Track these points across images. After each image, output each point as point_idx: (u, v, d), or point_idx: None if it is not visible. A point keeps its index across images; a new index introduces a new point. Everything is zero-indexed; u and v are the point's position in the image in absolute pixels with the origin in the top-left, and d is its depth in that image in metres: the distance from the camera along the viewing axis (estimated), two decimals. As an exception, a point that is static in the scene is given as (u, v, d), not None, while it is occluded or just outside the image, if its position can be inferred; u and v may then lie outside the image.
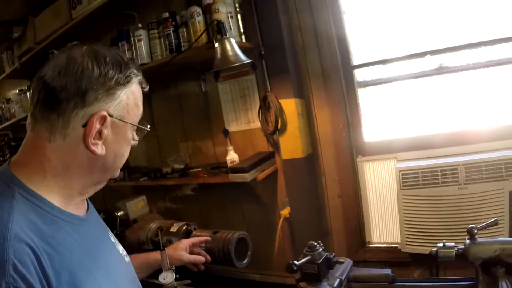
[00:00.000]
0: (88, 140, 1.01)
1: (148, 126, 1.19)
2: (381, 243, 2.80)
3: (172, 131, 3.46)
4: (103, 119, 1.02)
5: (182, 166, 3.27)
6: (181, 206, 3.59)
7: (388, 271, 1.72)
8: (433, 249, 1.54)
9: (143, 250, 2.33)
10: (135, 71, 1.11)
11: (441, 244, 1.53)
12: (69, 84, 0.99)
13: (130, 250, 2.21)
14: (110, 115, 1.04)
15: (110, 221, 2.71)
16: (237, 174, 2.64)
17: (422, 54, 2.49)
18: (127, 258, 1.34)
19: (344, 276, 1.66)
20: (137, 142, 1.19)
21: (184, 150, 3.41)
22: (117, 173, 1.18)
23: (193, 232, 2.19)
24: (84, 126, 1.01)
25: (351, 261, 1.79)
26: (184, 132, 3.38)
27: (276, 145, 2.82)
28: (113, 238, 1.31)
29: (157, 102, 3.50)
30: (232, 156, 2.92)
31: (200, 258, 1.88)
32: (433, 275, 2.52)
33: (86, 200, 1.22)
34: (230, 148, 2.94)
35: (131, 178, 3.51)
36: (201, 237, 2.00)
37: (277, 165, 2.85)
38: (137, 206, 2.70)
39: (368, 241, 2.83)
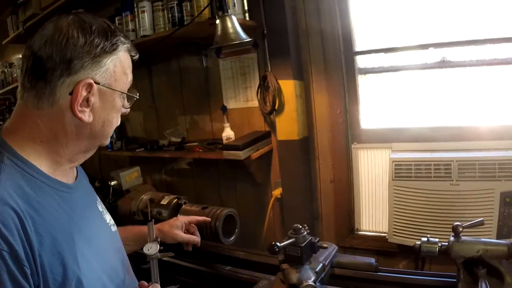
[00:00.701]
0: (75, 107, 1.02)
1: (137, 94, 1.20)
2: (369, 231, 2.83)
3: (171, 104, 3.45)
4: (90, 87, 1.03)
5: (179, 140, 3.28)
6: (176, 180, 3.61)
7: (371, 260, 1.72)
8: (417, 242, 1.56)
9: (134, 220, 2.35)
10: (122, 39, 1.11)
11: (425, 239, 1.55)
12: (55, 53, 1.00)
13: (121, 220, 2.25)
14: (97, 83, 1.05)
15: (105, 190, 2.73)
16: (231, 151, 2.65)
17: (425, 46, 2.47)
18: (114, 228, 1.35)
19: (327, 261, 1.67)
20: (128, 110, 1.20)
21: (182, 124, 3.41)
22: (107, 141, 1.19)
23: (183, 206, 2.21)
24: (71, 93, 1.02)
25: (336, 247, 1.80)
26: (183, 106, 3.37)
27: (272, 125, 2.81)
28: (100, 207, 1.33)
29: (158, 75, 3.50)
30: (228, 133, 2.92)
31: (194, 239, 1.86)
32: (418, 268, 2.54)
33: (76, 168, 1.23)
34: (227, 125, 2.94)
35: (128, 149, 3.54)
36: (198, 217, 1.96)
37: (273, 145, 2.85)
38: (130, 177, 2.72)
39: (357, 228, 2.85)
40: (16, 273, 0.88)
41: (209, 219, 1.97)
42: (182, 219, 1.88)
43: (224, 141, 2.89)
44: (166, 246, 1.68)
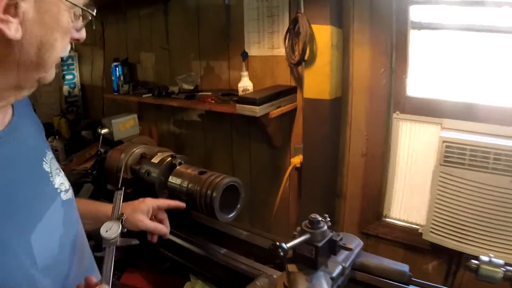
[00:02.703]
0: None
1: (95, 11, 0.84)
2: (399, 220, 2.40)
3: (186, 46, 3.06)
4: None
5: (191, 87, 2.92)
6: (184, 133, 3.29)
7: (404, 267, 1.37)
8: (473, 261, 1.13)
9: (119, 179, 1.97)
10: None
11: (487, 258, 1.11)
12: None
13: (107, 178, 1.87)
14: None
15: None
16: (245, 105, 2.24)
17: (499, 3, 1.92)
18: (66, 195, 1.01)
19: (348, 263, 1.27)
20: (82, 36, 0.87)
21: (196, 70, 3.02)
22: (49, 75, 0.84)
23: (177, 167, 1.82)
24: None
25: (361, 243, 1.39)
26: (199, 49, 2.98)
27: (299, 80, 2.39)
28: (48, 167, 0.98)
29: (173, 13, 3.10)
30: (245, 84, 2.51)
31: (161, 229, 1.46)
32: (450, 274, 2.18)
33: (14, 111, 0.90)
34: (245, 73, 2.52)
35: (135, 93, 3.24)
36: (171, 201, 1.56)
37: (297, 104, 2.45)
38: (125, 125, 2.29)
39: (385, 215, 2.43)
40: None
41: (183, 204, 1.55)
42: (149, 202, 1.47)
43: (240, 93, 2.49)
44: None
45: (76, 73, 4.25)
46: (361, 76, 2.28)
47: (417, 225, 2.29)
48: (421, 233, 2.17)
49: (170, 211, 1.69)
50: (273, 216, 2.55)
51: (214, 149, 3.06)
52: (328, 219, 1.23)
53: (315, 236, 1.16)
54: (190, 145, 3.21)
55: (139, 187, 1.91)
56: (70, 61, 4.18)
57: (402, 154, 2.30)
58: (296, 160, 2.39)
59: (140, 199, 1.49)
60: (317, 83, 2.19)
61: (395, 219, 2.40)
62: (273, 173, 2.70)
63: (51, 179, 0.97)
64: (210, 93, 2.76)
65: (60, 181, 1.01)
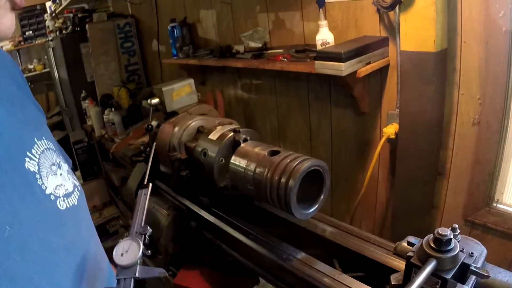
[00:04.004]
0: None
1: None
2: (515, 207, 1.88)
3: None
4: None
5: (259, 45, 2.57)
6: (254, 97, 2.91)
7: None
8: None
9: (172, 159, 1.62)
10: None
11: None
12: None
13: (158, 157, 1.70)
14: None
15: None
16: (327, 62, 1.81)
17: None
18: (66, 201, 0.72)
19: (471, 285, 0.82)
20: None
21: (263, 24, 2.60)
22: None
23: (241, 145, 1.41)
24: None
25: (485, 252, 0.92)
26: (266, 0, 2.54)
27: (392, 29, 1.89)
28: (35, 164, 0.68)
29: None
30: (324, 35, 2.04)
31: None
32: None
33: None
34: (323, 23, 2.04)
35: (195, 56, 2.95)
36: None
37: (390, 59, 1.96)
38: (179, 93, 1.91)
39: (498, 199, 1.92)
40: None
41: None
42: None
43: (319, 47, 2.03)
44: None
45: (135, 39, 4.01)
46: (472, 21, 1.73)
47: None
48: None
49: (235, 198, 1.44)
50: (358, 199, 2.13)
51: (288, 117, 2.66)
52: (457, 230, 0.80)
53: (444, 264, 0.77)
54: (261, 112, 2.84)
55: (196, 170, 1.55)
56: (127, 28, 3.94)
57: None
58: (390, 130, 1.92)
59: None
60: (418, 30, 1.69)
61: (510, 205, 1.89)
62: (359, 144, 2.26)
63: (38, 182, 0.67)
64: (281, 51, 2.37)
65: (57, 182, 0.71)
